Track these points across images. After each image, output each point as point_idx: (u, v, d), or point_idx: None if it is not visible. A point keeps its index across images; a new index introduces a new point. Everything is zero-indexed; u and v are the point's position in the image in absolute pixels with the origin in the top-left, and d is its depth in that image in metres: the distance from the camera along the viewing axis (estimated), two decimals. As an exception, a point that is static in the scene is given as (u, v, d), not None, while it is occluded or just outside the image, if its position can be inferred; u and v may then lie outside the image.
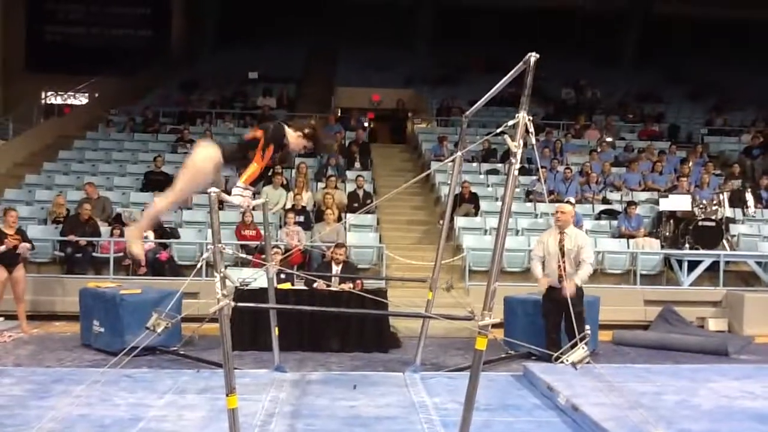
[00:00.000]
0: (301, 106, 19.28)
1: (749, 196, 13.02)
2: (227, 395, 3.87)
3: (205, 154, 4.92)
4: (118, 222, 11.13)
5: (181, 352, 7.51)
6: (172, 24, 24.53)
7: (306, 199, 12.17)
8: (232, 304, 4.02)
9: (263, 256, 7.80)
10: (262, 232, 10.63)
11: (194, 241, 10.99)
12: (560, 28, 23.38)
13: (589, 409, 4.81)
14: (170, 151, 14.74)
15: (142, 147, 15.38)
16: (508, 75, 4.44)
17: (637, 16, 24.78)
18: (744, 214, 12.83)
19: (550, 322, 7.19)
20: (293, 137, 5.05)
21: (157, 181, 12.93)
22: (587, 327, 7.20)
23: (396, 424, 4.79)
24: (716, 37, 23.11)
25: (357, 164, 14.46)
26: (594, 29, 24.20)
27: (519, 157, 3.98)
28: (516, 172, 4.08)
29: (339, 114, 17.96)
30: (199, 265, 5.77)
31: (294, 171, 13.32)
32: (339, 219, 11.35)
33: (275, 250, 8.50)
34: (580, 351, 3.74)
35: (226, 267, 4.43)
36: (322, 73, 22.71)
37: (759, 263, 11.26)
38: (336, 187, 12.51)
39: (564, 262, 6.95)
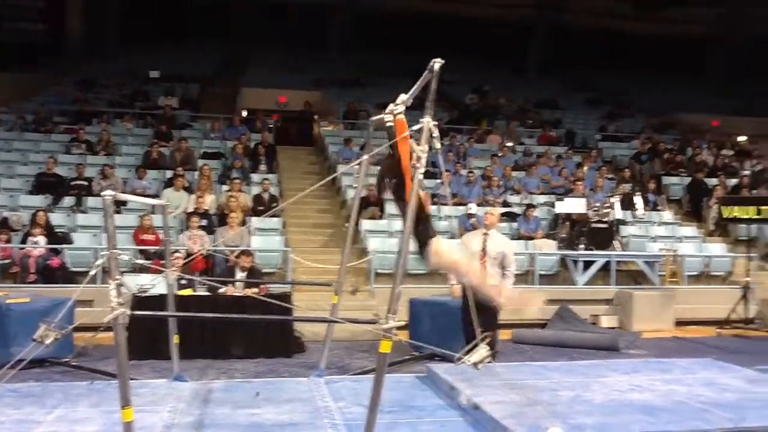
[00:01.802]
0: (205, 107, 18.83)
1: (638, 200, 13.78)
2: (122, 408, 3.71)
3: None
4: (5, 227, 10.48)
5: (74, 364, 7.16)
6: (67, 18, 23.35)
7: (209, 202, 11.87)
8: (128, 312, 3.87)
9: (163, 262, 7.57)
10: (162, 236, 10.36)
11: (89, 247, 10.49)
12: (469, 36, 23.92)
13: (489, 407, 4.92)
14: (64, 152, 14.04)
15: (33, 147, 14.54)
16: (418, 82, 4.50)
17: (542, 26, 25.74)
18: (633, 217, 13.56)
19: (468, 321, 7.22)
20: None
21: (48, 184, 12.31)
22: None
23: (300, 430, 4.75)
24: (614, 49, 24.31)
25: (262, 166, 14.25)
26: (501, 38, 24.90)
27: (424, 161, 4.05)
28: (421, 176, 4.16)
29: (244, 115, 17.61)
30: (93, 272, 5.50)
31: (196, 173, 12.99)
32: (243, 223, 11.16)
33: (176, 255, 8.25)
34: (482, 351, 3.83)
35: (122, 273, 4.25)
36: (228, 73, 22.29)
37: (647, 263, 11.92)
38: (240, 190, 12.28)
39: (485, 262, 7.09)
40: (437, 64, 4.13)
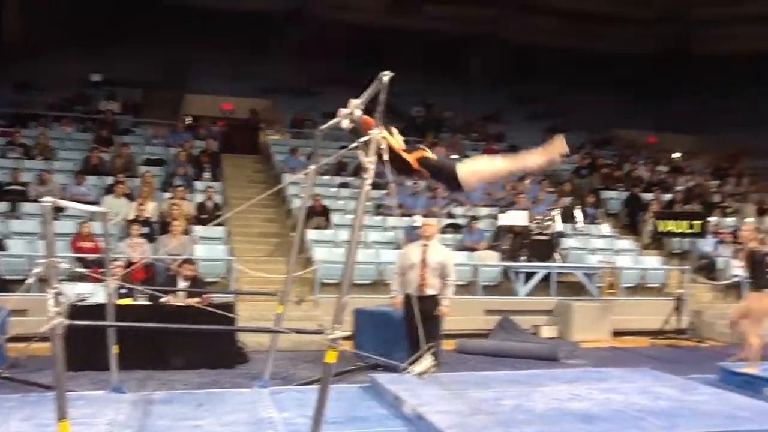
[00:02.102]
0: (148, 113, 18.46)
1: (578, 213, 14.16)
2: (58, 421, 3.60)
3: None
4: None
5: (6, 375, 6.90)
6: (3, 19, 22.54)
7: (151, 209, 11.62)
8: (66, 321, 3.76)
9: (102, 270, 7.38)
10: (101, 244, 10.09)
11: (24, 254, 10.12)
12: (417, 49, 24.12)
13: (433, 417, 4.97)
14: (-1, 155, 13.55)
15: (-36, 151, 13.99)
16: (368, 90, 4.54)
17: (485, 41, 26.21)
18: (573, 229, 13.91)
19: (412, 331, 7.24)
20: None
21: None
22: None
23: (243, 442, 4.70)
24: (555, 65, 24.92)
25: (206, 174, 14.04)
26: (447, 51, 25.22)
27: (372, 172, 4.08)
28: (369, 187, 4.18)
29: (188, 122, 17.32)
30: (30, 280, 5.32)
31: (138, 180, 12.72)
32: (186, 231, 10.98)
33: (116, 263, 8.05)
34: (426, 361, 3.87)
35: (60, 282, 4.13)
36: (173, 79, 21.89)
37: (586, 275, 12.23)
38: (184, 198, 12.07)
39: (425, 272, 7.14)
40: (386, 76, 4.17)
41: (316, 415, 3.92)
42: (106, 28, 21.85)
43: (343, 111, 4.62)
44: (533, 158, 4.68)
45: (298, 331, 4.61)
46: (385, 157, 4.16)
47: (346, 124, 4.39)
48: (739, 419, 5.18)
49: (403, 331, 7.36)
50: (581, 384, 6.37)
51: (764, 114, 24.72)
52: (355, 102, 4.43)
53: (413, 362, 3.99)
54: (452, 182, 4.54)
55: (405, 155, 4.52)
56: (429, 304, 6.88)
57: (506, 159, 4.75)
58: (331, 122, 5.44)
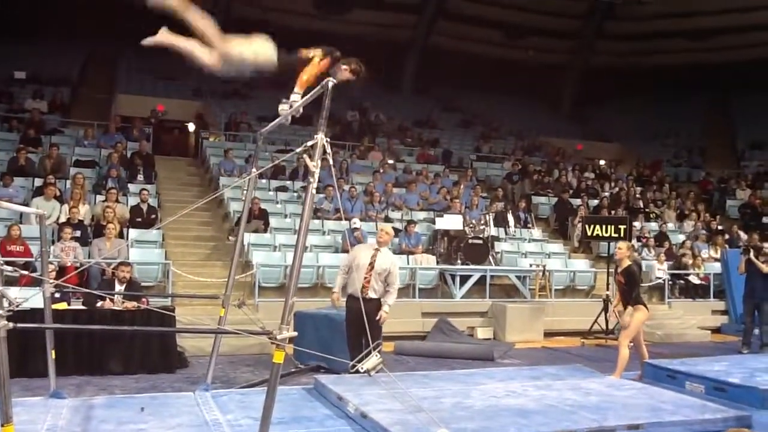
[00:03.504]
0: (77, 112, 17.94)
1: (510, 217, 14.59)
2: (3, 425, 3.55)
3: (268, 50, 4.80)
4: None
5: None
6: None
7: (83, 212, 11.33)
8: (10, 325, 3.71)
9: (34, 274, 7.19)
10: (31, 247, 9.80)
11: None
12: (348, 53, 24.25)
13: (377, 416, 5.09)
14: None
15: None
16: (306, 97, 4.64)
17: (416, 47, 26.60)
18: (506, 233, 14.32)
19: (352, 331, 7.23)
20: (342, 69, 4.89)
21: None
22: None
23: (188, 444, 4.70)
24: (483, 73, 25.50)
25: (140, 176, 13.78)
26: (380, 57, 25.41)
27: (317, 176, 4.17)
28: (314, 191, 4.27)
29: (119, 122, 16.90)
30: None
31: (68, 182, 12.37)
32: (121, 234, 10.76)
33: (49, 267, 7.84)
34: (374, 359, 3.99)
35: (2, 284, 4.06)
36: (101, 78, 21.31)
37: (518, 277, 12.62)
38: (117, 201, 11.82)
39: (370, 275, 7.21)
40: (330, 82, 4.28)
41: (264, 414, 3.98)
42: (29, 23, 21.02)
43: (282, 107, 4.77)
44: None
45: (248, 333, 4.63)
46: None
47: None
48: (661, 411, 5.51)
49: (343, 333, 7.46)
50: (516, 382, 6.62)
51: (683, 125, 26.12)
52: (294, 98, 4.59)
53: (360, 360, 4.10)
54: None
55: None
56: (370, 307, 7.00)
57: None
58: (275, 122, 5.53)
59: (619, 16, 26.50)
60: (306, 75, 4.76)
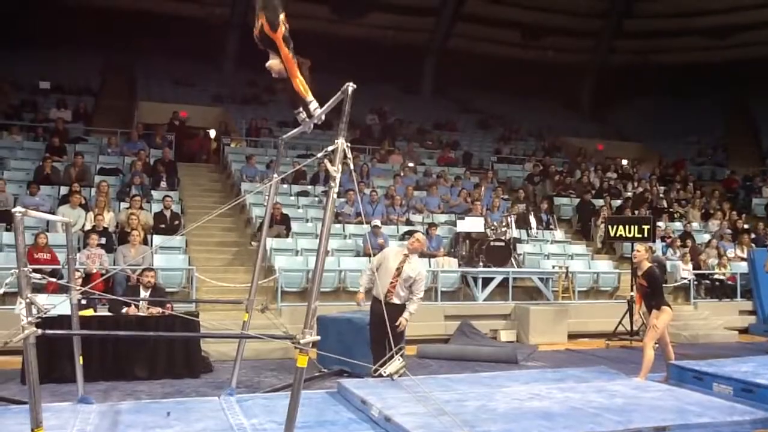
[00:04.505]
0: (100, 120, 18.18)
1: (532, 219, 14.51)
2: (33, 429, 3.61)
3: None
4: None
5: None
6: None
7: (108, 219, 11.48)
8: (39, 332, 3.78)
9: (61, 282, 7.30)
10: (57, 255, 9.94)
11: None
12: (367, 57, 24.31)
13: (400, 419, 5.10)
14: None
15: None
16: (328, 103, 4.67)
17: (433, 49, 26.60)
18: (528, 235, 14.25)
19: (374, 335, 7.20)
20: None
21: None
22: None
23: (214, 449, 4.74)
24: (502, 74, 25.45)
25: (163, 183, 13.92)
26: (398, 60, 25.45)
27: (338, 181, 4.19)
28: (335, 195, 4.29)
29: (142, 130, 17.08)
30: (0, 291, 5.24)
31: (93, 190, 12.55)
32: (145, 241, 10.89)
33: (76, 274, 7.95)
34: (396, 363, 4.00)
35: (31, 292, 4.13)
36: (121, 86, 21.58)
37: (541, 279, 12.55)
38: (141, 207, 11.95)
39: (396, 281, 7.21)
40: (351, 87, 4.30)
41: (288, 418, 4.01)
42: (52, 33, 21.33)
43: (302, 116, 4.78)
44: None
45: (272, 337, 4.66)
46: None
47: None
48: (688, 413, 5.46)
49: (366, 337, 7.47)
50: (540, 384, 6.59)
51: (705, 123, 25.81)
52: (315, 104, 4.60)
53: (383, 364, 4.11)
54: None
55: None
56: (393, 312, 7.00)
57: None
58: (296, 130, 5.56)
59: (637, 14, 26.30)
60: (296, 78, 4.77)
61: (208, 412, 5.63)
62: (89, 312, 7.82)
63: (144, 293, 8.46)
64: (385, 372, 4.02)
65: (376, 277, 7.08)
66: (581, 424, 5.11)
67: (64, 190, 12.50)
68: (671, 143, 25.16)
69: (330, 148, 4.25)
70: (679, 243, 14.76)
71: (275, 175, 6.81)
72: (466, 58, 25.43)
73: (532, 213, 14.83)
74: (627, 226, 12.25)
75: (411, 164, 17.32)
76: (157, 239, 11.25)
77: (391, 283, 7.13)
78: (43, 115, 17.37)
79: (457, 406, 5.62)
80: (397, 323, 6.95)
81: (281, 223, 12.51)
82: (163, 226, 11.80)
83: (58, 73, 20.25)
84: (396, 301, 7.15)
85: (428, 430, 4.84)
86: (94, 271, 9.73)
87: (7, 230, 10.66)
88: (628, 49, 27.20)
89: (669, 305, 7.24)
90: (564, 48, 27.17)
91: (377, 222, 12.40)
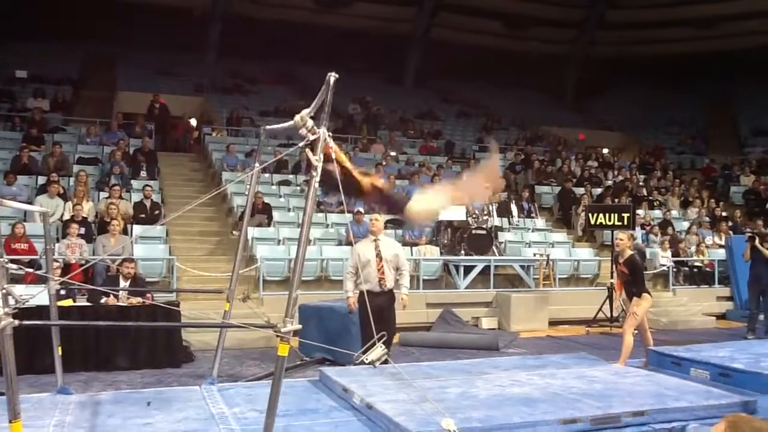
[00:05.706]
0: (79, 110, 17.97)
1: (513, 207, 14.58)
2: (11, 421, 3.57)
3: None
4: None
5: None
6: None
7: (87, 209, 11.37)
8: (16, 322, 3.73)
9: (40, 272, 7.23)
10: (35, 245, 9.83)
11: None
12: (349, 47, 24.23)
13: (382, 406, 5.10)
14: None
15: None
16: (317, 98, 4.62)
17: (416, 39, 26.55)
18: (510, 223, 14.32)
19: (367, 327, 7.23)
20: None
21: None
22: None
23: (196, 438, 4.73)
24: (485, 64, 25.46)
25: (143, 173, 13.80)
26: (381, 49, 25.38)
27: (320, 170, 4.17)
28: (316, 184, 4.27)
29: (122, 120, 16.90)
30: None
31: (71, 179, 12.41)
32: (125, 230, 10.80)
33: (54, 264, 7.88)
34: (378, 350, 4.00)
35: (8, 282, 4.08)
36: (101, 75, 21.32)
37: (522, 267, 12.63)
38: (121, 197, 11.84)
39: (382, 266, 7.21)
40: (332, 77, 4.27)
41: (270, 406, 4.00)
42: (30, 22, 21.02)
43: (296, 119, 4.71)
44: (479, 189, 4.81)
45: (253, 326, 4.63)
46: (334, 171, 4.26)
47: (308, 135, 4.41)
48: (666, 397, 5.52)
49: (352, 326, 7.44)
50: (521, 371, 6.62)
51: (686, 113, 26.05)
52: (305, 111, 4.52)
53: (365, 351, 4.12)
54: (399, 214, 4.68)
55: (358, 176, 4.60)
56: (389, 299, 7.00)
57: (455, 191, 4.84)
58: (284, 125, 5.50)
59: (620, 4, 26.40)
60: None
61: (189, 402, 5.60)
62: (68, 302, 7.75)
63: (124, 283, 8.39)
64: (367, 359, 4.02)
65: (362, 274, 7.07)
66: (561, 410, 5.14)
67: (42, 179, 12.35)
68: (652, 132, 25.39)
69: (311, 137, 4.23)
70: (658, 230, 14.91)
71: (257, 164, 6.76)
72: (449, 48, 25.39)
73: (513, 201, 14.91)
74: (607, 214, 12.36)
75: (393, 153, 17.30)
76: (137, 229, 11.16)
77: (379, 270, 7.13)
78: (21, 104, 17.13)
79: (438, 393, 5.63)
80: (402, 306, 6.94)
81: (263, 213, 12.46)
82: (143, 215, 11.71)
83: (37, 62, 19.98)
84: (390, 285, 7.15)
85: (410, 417, 4.85)
86: (73, 261, 9.63)
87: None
88: (611, 39, 27.29)
89: (649, 293, 7.32)
90: (547, 38, 27.20)
91: (360, 208, 12.37)
